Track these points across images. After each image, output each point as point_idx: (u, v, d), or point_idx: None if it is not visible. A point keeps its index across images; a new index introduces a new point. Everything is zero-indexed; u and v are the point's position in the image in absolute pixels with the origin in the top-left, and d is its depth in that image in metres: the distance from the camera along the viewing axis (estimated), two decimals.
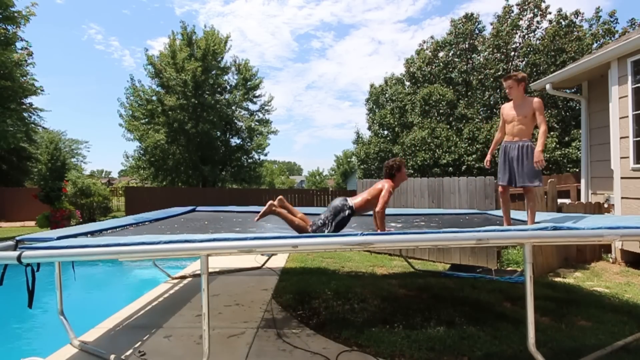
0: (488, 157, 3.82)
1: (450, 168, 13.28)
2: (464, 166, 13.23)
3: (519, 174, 3.45)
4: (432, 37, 16.62)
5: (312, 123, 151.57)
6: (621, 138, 5.66)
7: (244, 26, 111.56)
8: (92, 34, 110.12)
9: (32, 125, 13.60)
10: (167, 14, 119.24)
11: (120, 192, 19.13)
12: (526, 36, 14.58)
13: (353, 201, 3.43)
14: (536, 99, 3.42)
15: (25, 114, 12.92)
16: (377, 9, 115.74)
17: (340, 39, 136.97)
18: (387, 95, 17.62)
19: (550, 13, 14.26)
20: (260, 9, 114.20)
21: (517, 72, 3.76)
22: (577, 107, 12.55)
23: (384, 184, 3.46)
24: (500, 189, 3.68)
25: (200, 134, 17.67)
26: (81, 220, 12.72)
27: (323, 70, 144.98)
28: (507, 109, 3.61)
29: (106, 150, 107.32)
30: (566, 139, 12.98)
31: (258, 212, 3.54)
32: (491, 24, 15.12)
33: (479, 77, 14.65)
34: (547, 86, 7.24)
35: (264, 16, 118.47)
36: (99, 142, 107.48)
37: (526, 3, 14.34)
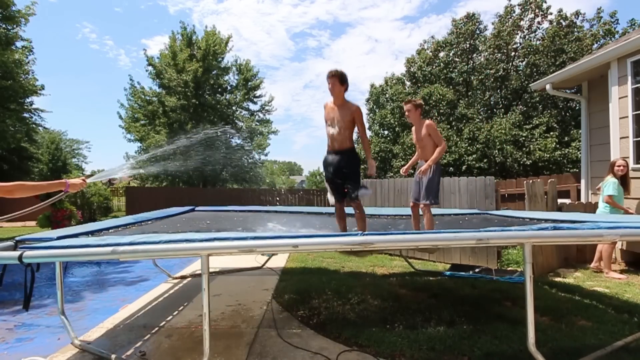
0: (407, 166, 4.06)
1: (451, 168, 13.28)
2: (464, 166, 13.24)
3: (419, 191, 3.77)
4: (432, 37, 16.64)
5: (310, 123, 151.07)
6: (621, 138, 5.66)
7: (239, 24, 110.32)
8: (86, 32, 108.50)
9: (33, 125, 13.62)
10: (160, 12, 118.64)
11: (120, 192, 19.14)
12: (527, 36, 14.58)
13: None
14: (428, 122, 3.71)
15: (27, 115, 12.90)
16: (373, 7, 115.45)
17: (337, 38, 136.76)
18: (387, 95, 17.62)
19: (551, 14, 14.26)
20: (255, 7, 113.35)
21: (415, 99, 4.12)
22: (577, 107, 12.55)
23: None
24: (410, 203, 3.96)
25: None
26: (82, 220, 12.71)
27: (320, 69, 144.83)
28: (413, 132, 3.94)
29: (107, 150, 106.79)
30: (566, 139, 12.99)
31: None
32: (492, 23, 15.13)
33: (480, 77, 14.65)
34: (547, 86, 7.24)
35: (258, 14, 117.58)
36: (100, 142, 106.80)
37: (527, 3, 14.34)
